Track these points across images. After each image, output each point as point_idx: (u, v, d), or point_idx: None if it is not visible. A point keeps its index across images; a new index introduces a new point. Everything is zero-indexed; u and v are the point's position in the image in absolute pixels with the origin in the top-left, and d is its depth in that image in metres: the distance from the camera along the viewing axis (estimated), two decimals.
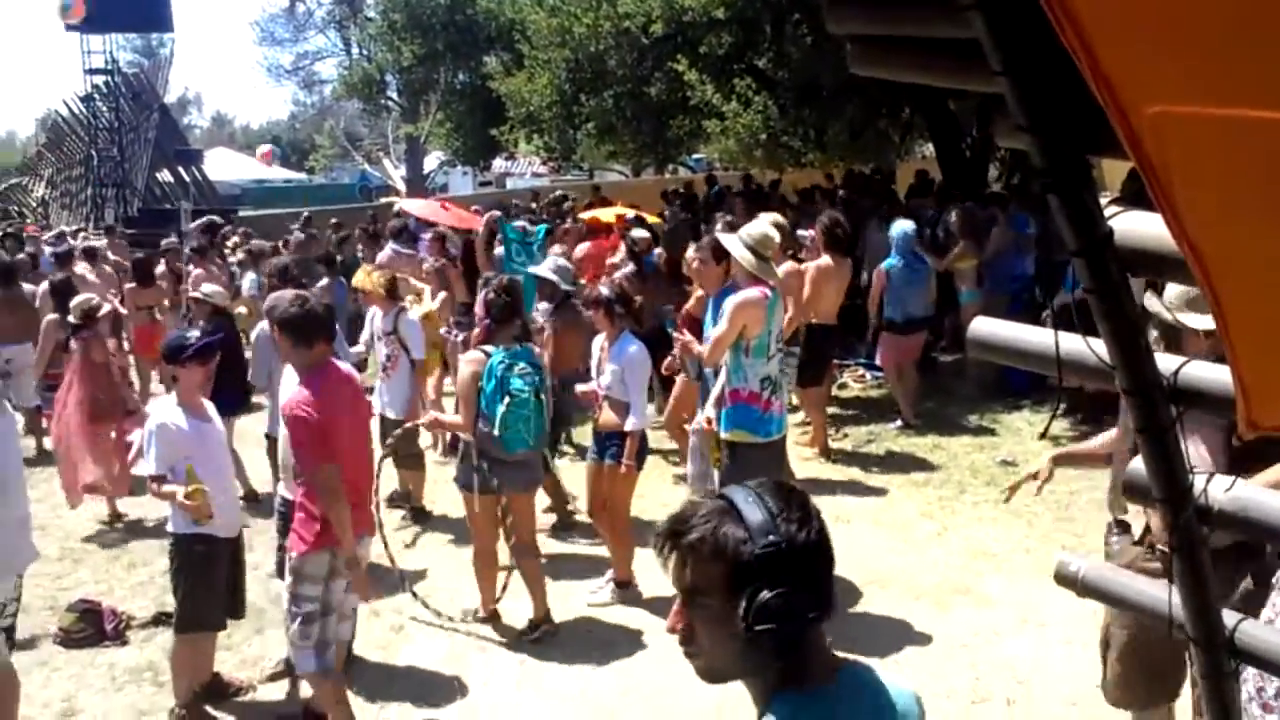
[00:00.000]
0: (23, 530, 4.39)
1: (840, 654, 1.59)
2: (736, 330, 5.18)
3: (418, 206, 10.59)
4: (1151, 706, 3.56)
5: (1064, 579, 1.75)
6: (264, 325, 6.38)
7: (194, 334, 4.89)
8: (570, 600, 5.76)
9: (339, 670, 4.58)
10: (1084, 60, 0.90)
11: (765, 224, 5.67)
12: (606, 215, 12.33)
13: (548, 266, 7.33)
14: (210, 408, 4.82)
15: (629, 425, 5.53)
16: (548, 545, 6.51)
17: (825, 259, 7.83)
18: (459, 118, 24.70)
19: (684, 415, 7.11)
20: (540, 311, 7.40)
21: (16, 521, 4.30)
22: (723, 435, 5.30)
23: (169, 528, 4.63)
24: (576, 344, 7.06)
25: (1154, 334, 3.13)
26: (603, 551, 6.09)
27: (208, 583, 4.59)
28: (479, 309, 5.79)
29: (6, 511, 4.21)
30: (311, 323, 4.28)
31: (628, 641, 5.35)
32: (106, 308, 7.70)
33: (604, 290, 5.73)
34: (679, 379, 7.23)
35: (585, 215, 12.77)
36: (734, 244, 5.37)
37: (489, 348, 5.28)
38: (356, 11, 30.81)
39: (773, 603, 1.39)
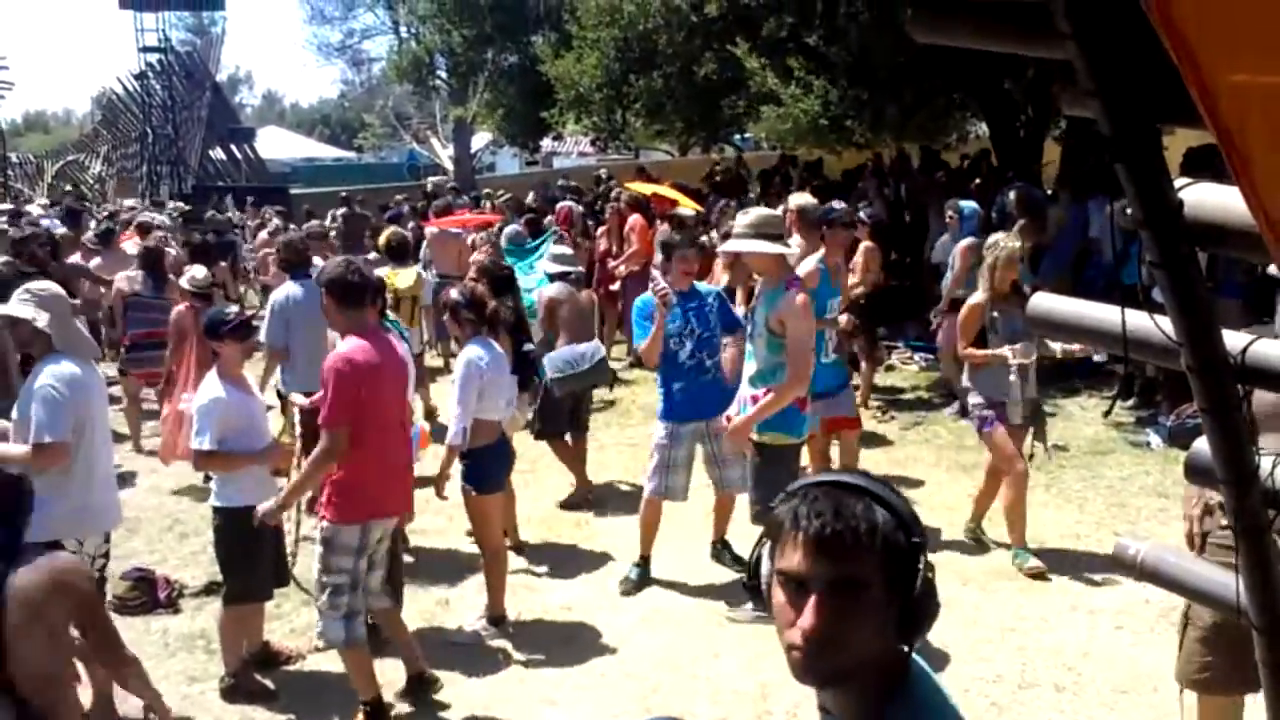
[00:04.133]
0: (111, 487, 4.51)
1: None
2: (812, 329, 5.05)
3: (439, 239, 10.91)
4: (1231, 693, 3.43)
5: (1122, 562, 1.72)
6: (285, 288, 6.68)
7: (232, 310, 4.93)
8: (610, 577, 5.79)
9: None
10: (1163, 26, 0.87)
11: (759, 208, 5.44)
12: (646, 188, 12.33)
13: (548, 257, 7.59)
14: (251, 381, 4.89)
15: (447, 439, 5.14)
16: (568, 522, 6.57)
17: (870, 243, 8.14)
18: (507, 100, 24.72)
19: None
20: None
21: (103, 478, 4.40)
22: (754, 437, 5.06)
23: (214, 502, 4.67)
24: (574, 317, 7.27)
25: None
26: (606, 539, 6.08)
27: (255, 554, 4.64)
28: None
29: (99, 466, 4.34)
30: (357, 286, 4.34)
31: (667, 616, 5.38)
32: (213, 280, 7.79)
33: (454, 294, 5.44)
34: None
35: (627, 185, 12.81)
36: (746, 244, 5.03)
37: None
38: None
39: (932, 591, 1.38)
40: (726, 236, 8.38)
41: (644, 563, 5.77)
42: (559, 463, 7.37)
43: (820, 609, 1.35)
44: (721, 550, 5.94)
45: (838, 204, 7.24)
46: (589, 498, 7.12)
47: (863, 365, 9.04)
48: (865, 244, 8.29)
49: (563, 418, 7.12)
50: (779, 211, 5.26)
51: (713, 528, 5.96)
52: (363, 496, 4.27)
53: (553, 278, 7.45)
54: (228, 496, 4.60)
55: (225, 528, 4.61)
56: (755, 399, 5.04)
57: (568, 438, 7.24)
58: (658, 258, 8.99)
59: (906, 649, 1.43)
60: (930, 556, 1.42)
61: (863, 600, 1.36)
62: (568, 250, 7.83)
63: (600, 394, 9.01)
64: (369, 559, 4.41)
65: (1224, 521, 3.40)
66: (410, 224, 12.25)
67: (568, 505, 7.04)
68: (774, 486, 4.89)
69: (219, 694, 4.71)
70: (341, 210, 15.46)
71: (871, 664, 1.40)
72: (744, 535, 5.59)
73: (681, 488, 5.64)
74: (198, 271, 7.42)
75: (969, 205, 8.82)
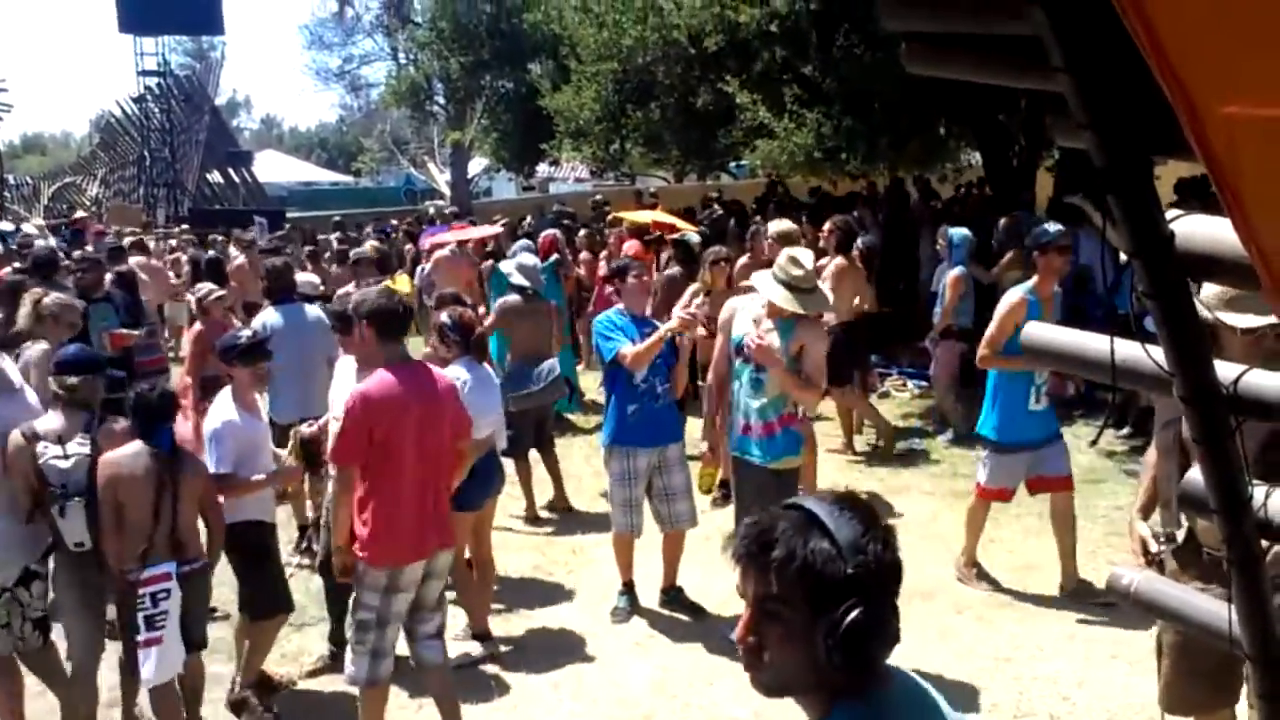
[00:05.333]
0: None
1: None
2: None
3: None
4: (1209, 713, 3.46)
5: (1116, 591, 1.72)
6: (265, 315, 6.73)
7: (245, 334, 4.89)
8: (603, 602, 5.77)
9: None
10: (1154, 57, 0.88)
11: (792, 250, 5.10)
12: (640, 217, 12.37)
13: (513, 264, 7.63)
14: (261, 406, 4.89)
15: None
16: (563, 544, 6.56)
17: (841, 259, 8.09)
18: (504, 125, 24.87)
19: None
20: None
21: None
22: (769, 466, 4.95)
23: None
24: (529, 334, 7.32)
25: None
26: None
27: (270, 565, 4.75)
28: None
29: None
30: (401, 317, 4.25)
31: (661, 642, 5.36)
32: (219, 292, 7.77)
33: (443, 317, 5.41)
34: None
35: (620, 214, 12.88)
36: (768, 286, 4.92)
37: None
38: (405, 20, 31.01)
39: (860, 623, 1.37)
40: (755, 254, 8.46)
41: (628, 588, 5.74)
42: (552, 485, 7.38)
43: (747, 622, 1.45)
44: (673, 597, 5.75)
45: (1052, 226, 5.88)
46: (570, 507, 7.40)
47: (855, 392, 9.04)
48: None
49: (526, 437, 7.16)
50: (811, 264, 5.04)
51: (663, 574, 5.77)
52: (388, 541, 4.09)
53: (515, 289, 7.52)
54: (233, 514, 4.57)
55: (240, 543, 4.60)
56: (769, 428, 4.94)
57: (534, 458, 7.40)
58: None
59: (852, 676, 1.42)
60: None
61: (783, 620, 1.41)
62: (535, 261, 7.90)
63: (599, 419, 8.99)
64: (415, 602, 4.26)
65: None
66: (408, 246, 12.33)
67: (551, 508, 7.39)
68: None
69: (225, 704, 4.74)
70: (335, 235, 15.50)
71: (816, 685, 1.44)
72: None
73: (643, 523, 5.65)
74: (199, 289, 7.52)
75: (959, 233, 8.76)
